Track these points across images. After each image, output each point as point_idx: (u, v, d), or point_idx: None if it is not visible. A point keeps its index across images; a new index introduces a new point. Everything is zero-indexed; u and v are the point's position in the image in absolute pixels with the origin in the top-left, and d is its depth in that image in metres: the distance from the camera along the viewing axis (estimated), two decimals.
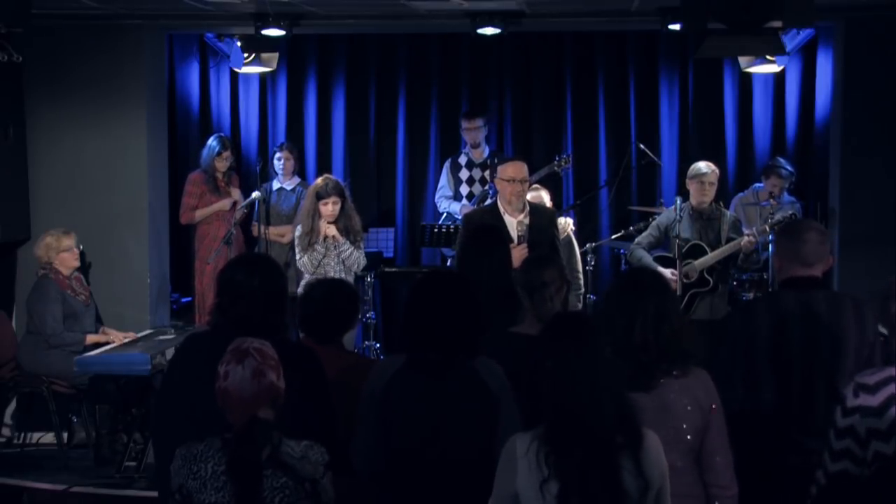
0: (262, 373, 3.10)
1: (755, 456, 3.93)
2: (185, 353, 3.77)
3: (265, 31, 7.78)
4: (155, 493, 3.99)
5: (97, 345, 7.01)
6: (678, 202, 7.14)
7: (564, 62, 9.33)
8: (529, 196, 6.66)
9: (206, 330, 3.97)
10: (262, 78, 9.42)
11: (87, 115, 7.94)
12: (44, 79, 7.88)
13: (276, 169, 8.52)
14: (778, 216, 7.19)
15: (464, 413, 3.52)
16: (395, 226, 9.45)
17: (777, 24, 5.66)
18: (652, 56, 9.21)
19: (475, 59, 9.37)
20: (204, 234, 8.27)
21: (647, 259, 7.19)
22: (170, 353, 6.64)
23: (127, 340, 7.07)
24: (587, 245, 8.01)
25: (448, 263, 8.29)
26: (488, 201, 8.08)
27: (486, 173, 8.55)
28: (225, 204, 8.26)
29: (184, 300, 8.77)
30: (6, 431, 7.55)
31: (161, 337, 7.12)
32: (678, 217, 7.09)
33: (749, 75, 8.86)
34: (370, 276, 8.35)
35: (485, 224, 5.77)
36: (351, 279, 6.75)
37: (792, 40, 8.18)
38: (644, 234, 7.43)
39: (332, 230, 6.83)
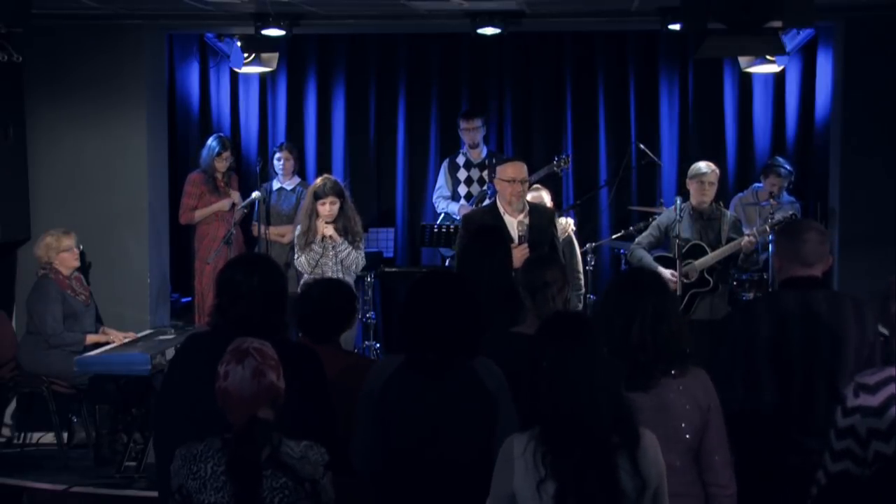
0: (262, 373, 3.10)
1: (755, 456, 3.94)
2: (185, 353, 3.77)
3: (265, 31, 7.78)
4: (155, 493, 3.99)
5: (97, 345, 7.01)
6: (678, 202, 7.15)
7: (564, 62, 9.34)
8: (530, 196, 6.66)
9: (206, 330, 3.97)
10: (262, 78, 9.42)
11: (87, 115, 7.93)
12: (44, 79, 7.88)
13: (276, 169, 8.52)
14: (778, 216, 7.19)
15: (462, 413, 3.52)
16: (395, 226, 9.45)
17: (777, 24, 5.66)
18: (652, 56, 9.21)
19: (475, 59, 9.37)
20: (204, 234, 8.27)
21: (648, 259, 7.19)
22: (170, 353, 6.64)
23: (127, 340, 7.07)
24: (587, 245, 8.01)
25: (447, 264, 8.29)
26: (486, 202, 8.09)
27: (485, 173, 8.55)
28: (224, 204, 8.26)
29: (184, 300, 8.77)
30: (6, 431, 7.55)
31: (161, 337, 7.12)
32: (678, 217, 7.09)
33: (749, 75, 8.87)
34: (370, 276, 8.35)
35: (486, 224, 5.77)
36: (350, 280, 6.73)
37: (792, 40, 8.18)
38: (644, 234, 7.44)
39: (329, 230, 6.81)
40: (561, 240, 6.85)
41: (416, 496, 3.55)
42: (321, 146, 9.51)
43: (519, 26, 7.82)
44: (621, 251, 8.34)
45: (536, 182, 7.46)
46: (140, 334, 7.27)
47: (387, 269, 8.58)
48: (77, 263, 7.29)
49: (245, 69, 8.77)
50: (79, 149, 7.94)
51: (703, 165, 7.25)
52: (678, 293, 6.84)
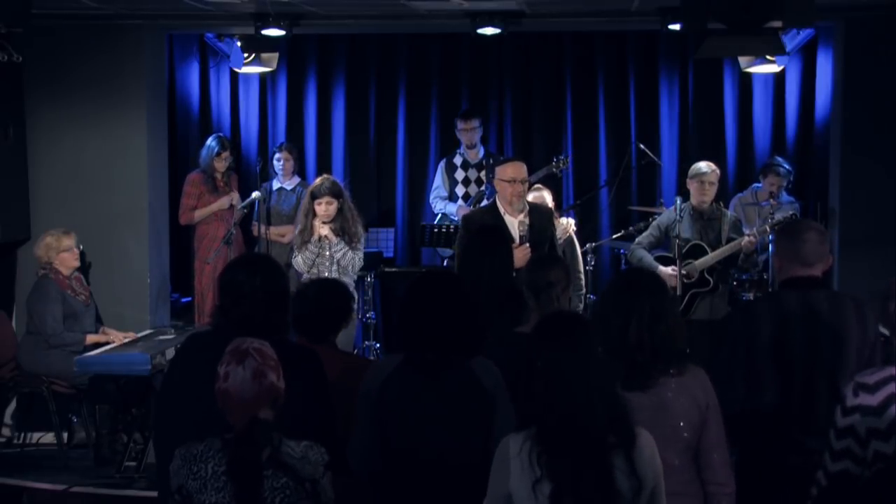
0: (262, 373, 3.10)
1: (756, 456, 3.94)
2: (185, 353, 3.77)
3: (265, 31, 7.78)
4: (155, 493, 3.99)
5: (97, 345, 7.01)
6: (678, 202, 7.15)
7: (564, 62, 9.34)
8: (531, 196, 6.67)
9: (207, 330, 3.97)
10: (262, 78, 9.42)
11: (87, 115, 7.93)
12: (44, 79, 7.88)
13: (276, 169, 8.52)
14: (778, 216, 7.19)
15: (459, 413, 3.52)
16: (395, 226, 9.45)
17: (777, 24, 5.66)
18: (652, 56, 9.21)
19: (475, 59, 9.37)
20: (203, 234, 8.27)
21: (648, 259, 7.19)
22: (170, 353, 6.64)
23: (127, 340, 7.07)
24: (587, 245, 8.01)
25: (445, 264, 8.29)
26: (484, 202, 8.10)
27: (482, 174, 8.55)
28: (224, 202, 8.26)
29: (184, 300, 8.77)
30: (6, 431, 7.55)
31: (161, 337, 7.11)
32: (679, 217, 7.09)
33: (749, 75, 8.86)
34: (370, 276, 8.36)
35: (486, 224, 5.76)
36: (348, 280, 6.69)
37: (792, 40, 8.18)
38: (644, 234, 7.44)
39: (325, 230, 6.78)
40: (562, 240, 6.86)
41: (414, 496, 3.55)
42: (321, 146, 9.51)
43: (519, 26, 7.82)
44: (621, 251, 8.34)
45: (536, 182, 7.45)
46: (140, 334, 7.27)
47: (387, 269, 8.59)
48: (77, 263, 7.29)
49: (245, 69, 8.76)
50: (79, 149, 7.94)
51: (703, 165, 7.25)
52: (678, 292, 6.85)
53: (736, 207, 8.16)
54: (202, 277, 8.19)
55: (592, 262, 8.11)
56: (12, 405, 7.47)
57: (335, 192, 6.80)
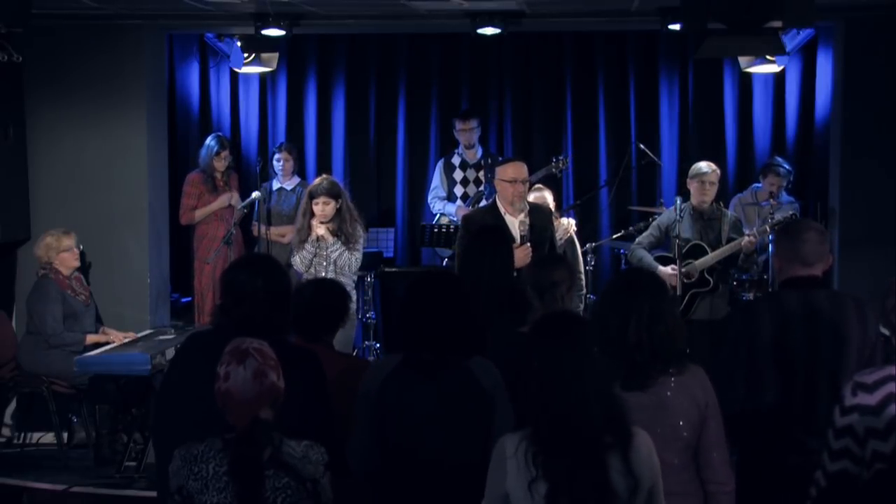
0: (263, 373, 3.10)
1: (757, 456, 3.94)
2: (185, 353, 3.77)
3: (265, 31, 7.77)
4: (155, 493, 3.99)
5: (97, 345, 7.01)
6: (678, 202, 7.15)
7: (564, 62, 9.34)
8: (532, 196, 6.66)
9: (207, 329, 3.97)
10: (262, 78, 9.42)
11: (87, 115, 7.93)
12: (44, 79, 7.88)
13: (276, 169, 8.52)
14: (777, 216, 7.19)
15: (458, 413, 3.53)
16: (395, 226, 9.45)
17: (777, 24, 5.66)
18: (652, 56, 9.21)
19: (475, 59, 9.37)
20: (203, 234, 8.27)
21: (648, 259, 7.19)
22: (170, 353, 6.64)
23: (127, 340, 7.07)
24: (587, 245, 8.01)
25: (444, 264, 8.29)
26: (483, 202, 8.10)
27: (481, 174, 8.55)
28: (224, 200, 8.26)
29: (184, 300, 8.77)
30: (6, 431, 7.55)
31: (161, 337, 7.11)
32: (679, 217, 7.09)
33: (749, 75, 8.86)
34: (370, 276, 8.36)
35: (487, 224, 5.76)
36: (346, 281, 6.64)
37: (792, 40, 8.18)
38: (645, 234, 7.44)
39: (321, 230, 6.77)
40: (563, 240, 6.86)
41: (413, 496, 3.56)
42: (321, 146, 9.51)
43: (519, 26, 7.82)
44: (621, 251, 8.34)
45: (536, 182, 7.45)
46: (140, 334, 7.27)
47: (387, 269, 8.58)
48: (77, 263, 7.29)
49: (245, 69, 8.76)
50: (79, 149, 7.94)
51: (703, 165, 7.25)
52: (678, 292, 6.85)
53: (736, 207, 8.16)
54: (201, 277, 8.19)
55: (592, 262, 8.11)
56: (12, 405, 7.47)
57: (332, 193, 6.77)
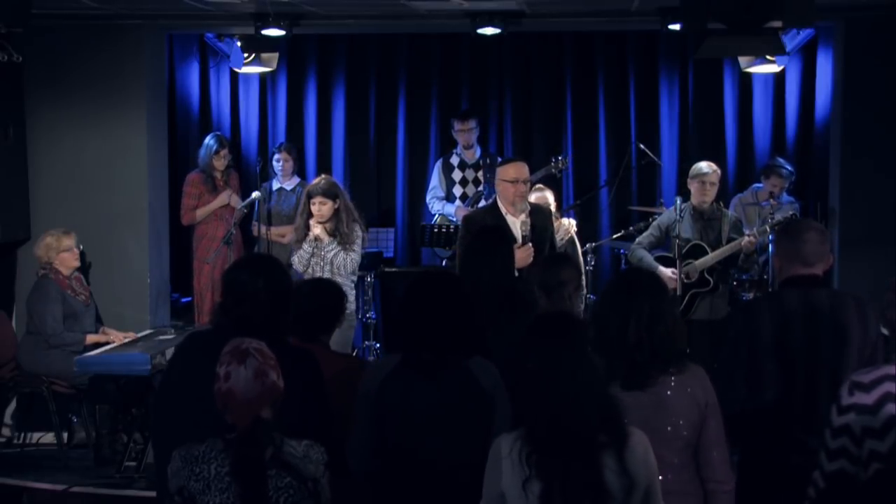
0: (264, 373, 3.10)
1: (758, 455, 3.94)
2: (184, 353, 3.76)
3: (265, 31, 7.78)
4: (155, 493, 3.98)
5: (97, 345, 7.01)
6: (678, 202, 7.15)
7: (564, 62, 9.33)
8: (534, 197, 6.66)
9: (207, 329, 3.96)
10: (262, 78, 9.41)
11: (87, 115, 7.93)
12: (44, 79, 7.88)
13: (276, 169, 8.51)
14: (778, 216, 7.19)
15: (457, 412, 3.53)
16: (395, 226, 9.45)
17: (777, 24, 5.66)
18: (652, 56, 9.21)
19: (475, 59, 9.37)
20: (202, 234, 8.27)
21: (648, 259, 7.19)
22: (170, 353, 6.63)
23: (127, 340, 7.07)
24: (587, 245, 8.00)
25: (444, 264, 8.29)
26: (482, 202, 8.10)
27: (479, 174, 8.55)
28: (224, 198, 8.25)
29: (184, 300, 8.77)
30: (6, 431, 7.55)
31: (161, 337, 7.12)
32: (679, 217, 7.09)
33: (749, 75, 8.86)
34: (370, 276, 8.35)
35: (487, 224, 5.76)
36: (343, 281, 6.61)
37: (792, 40, 8.18)
38: (645, 234, 7.44)
39: (317, 230, 6.77)
40: (563, 240, 6.86)
41: (413, 496, 3.56)
42: (321, 146, 9.51)
43: (519, 26, 7.82)
44: (621, 251, 8.34)
45: (536, 182, 7.45)
46: (140, 334, 7.26)
47: (387, 269, 8.58)
48: (77, 263, 7.29)
49: (245, 69, 8.76)
50: (79, 149, 7.94)
51: (704, 165, 7.25)
52: (678, 293, 6.85)
53: (736, 207, 8.16)
54: (201, 277, 8.19)
55: (592, 262, 8.11)
56: (12, 405, 7.47)
57: (329, 193, 6.75)
